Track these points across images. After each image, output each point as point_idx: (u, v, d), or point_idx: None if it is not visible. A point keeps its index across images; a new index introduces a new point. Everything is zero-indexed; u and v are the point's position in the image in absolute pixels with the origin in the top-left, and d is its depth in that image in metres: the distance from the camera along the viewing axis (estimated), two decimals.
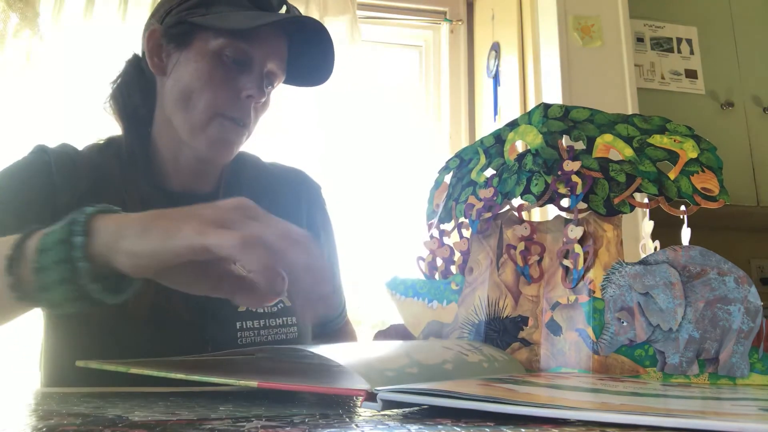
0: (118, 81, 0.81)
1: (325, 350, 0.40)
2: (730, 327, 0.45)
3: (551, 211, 0.58)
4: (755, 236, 2.29)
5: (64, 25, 1.87)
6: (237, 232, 0.40)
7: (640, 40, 2.14)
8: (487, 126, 2.14)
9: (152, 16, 0.80)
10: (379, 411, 0.33)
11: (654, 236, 0.61)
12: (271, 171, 0.91)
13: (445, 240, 0.64)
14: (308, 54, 0.81)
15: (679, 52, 2.16)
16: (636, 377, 0.47)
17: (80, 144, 0.82)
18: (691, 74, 2.14)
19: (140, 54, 0.82)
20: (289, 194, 0.89)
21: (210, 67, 0.74)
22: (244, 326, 0.75)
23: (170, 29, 0.76)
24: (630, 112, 0.58)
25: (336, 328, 0.96)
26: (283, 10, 0.80)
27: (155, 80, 0.79)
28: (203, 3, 0.75)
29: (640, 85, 1.93)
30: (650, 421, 0.27)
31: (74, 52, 1.87)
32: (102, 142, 0.81)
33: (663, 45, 2.16)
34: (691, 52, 2.17)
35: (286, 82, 0.84)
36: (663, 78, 2.11)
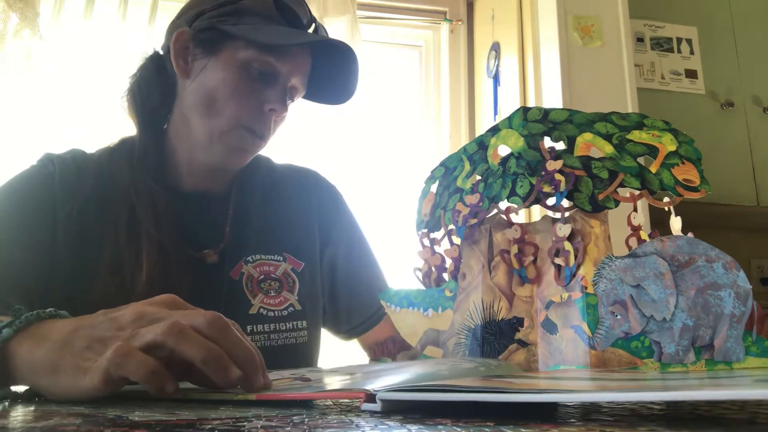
0: (137, 76, 0.80)
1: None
2: (722, 312, 0.46)
3: (542, 212, 0.58)
4: (755, 236, 2.29)
5: (64, 25, 1.87)
6: (114, 354, 0.37)
7: (640, 40, 2.14)
8: (487, 126, 2.14)
9: (180, 16, 0.80)
10: (378, 411, 0.33)
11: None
12: (283, 173, 0.91)
13: (436, 248, 0.64)
14: (333, 73, 0.81)
15: (679, 52, 2.16)
16: (634, 369, 0.47)
17: (85, 145, 0.81)
18: (691, 74, 2.14)
19: (161, 51, 0.81)
20: (301, 196, 0.89)
21: (237, 78, 0.74)
22: (255, 330, 0.76)
23: (199, 33, 0.75)
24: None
25: (368, 329, 0.90)
26: (312, 28, 0.80)
27: (176, 80, 0.79)
28: (236, 12, 0.75)
29: (640, 85, 1.93)
30: (649, 396, 0.27)
31: (74, 52, 1.87)
32: (114, 143, 0.81)
33: (663, 45, 2.16)
34: (691, 52, 2.17)
35: (307, 98, 0.84)
36: (663, 78, 2.11)
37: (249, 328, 0.75)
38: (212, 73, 0.74)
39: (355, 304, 0.89)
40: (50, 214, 0.72)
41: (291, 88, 0.78)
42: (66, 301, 0.68)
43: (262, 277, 0.79)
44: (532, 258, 0.54)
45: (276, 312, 0.77)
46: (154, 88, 0.79)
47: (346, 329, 0.90)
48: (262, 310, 0.77)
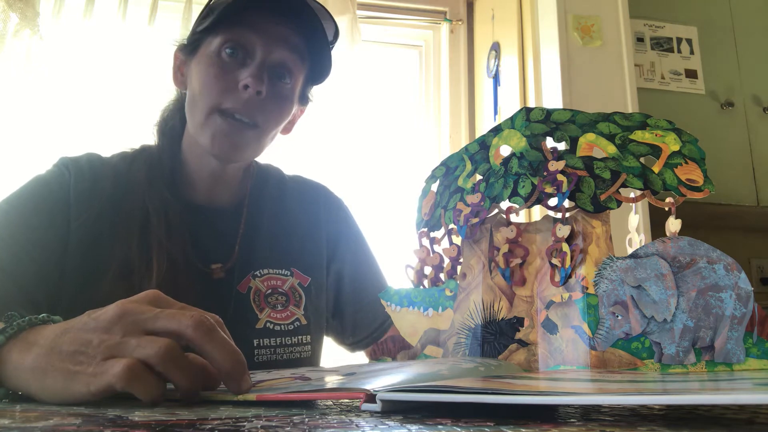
0: (167, 108, 0.84)
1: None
2: (723, 314, 0.46)
3: (543, 212, 0.58)
4: (755, 236, 2.29)
5: (64, 24, 1.87)
6: (111, 364, 0.37)
7: (640, 40, 2.14)
8: (487, 126, 2.14)
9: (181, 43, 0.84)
10: (378, 411, 0.33)
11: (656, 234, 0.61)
12: (293, 186, 0.91)
13: (435, 248, 0.64)
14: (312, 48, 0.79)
15: (679, 52, 2.16)
16: (634, 369, 0.47)
17: (84, 145, 0.82)
18: (691, 74, 2.14)
19: None
20: (310, 211, 0.89)
21: (208, 66, 0.74)
22: (261, 344, 0.76)
23: (186, 46, 0.79)
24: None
25: (372, 343, 0.89)
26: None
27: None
28: (209, 12, 0.77)
29: (640, 85, 1.93)
30: (648, 400, 0.27)
31: (74, 51, 1.87)
32: (134, 150, 0.83)
33: (663, 45, 2.16)
34: (691, 52, 2.17)
35: None
36: (663, 78, 2.11)
37: (255, 341, 0.76)
38: (193, 72, 0.77)
39: (360, 319, 0.89)
40: (64, 225, 0.73)
41: (274, 64, 0.75)
42: (72, 303, 0.68)
43: (270, 291, 0.79)
44: (519, 261, 0.54)
45: (282, 326, 0.78)
46: (175, 112, 0.83)
47: (350, 342, 0.91)
48: (268, 324, 0.77)
